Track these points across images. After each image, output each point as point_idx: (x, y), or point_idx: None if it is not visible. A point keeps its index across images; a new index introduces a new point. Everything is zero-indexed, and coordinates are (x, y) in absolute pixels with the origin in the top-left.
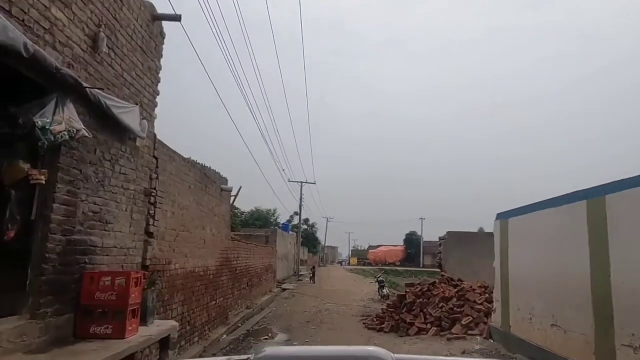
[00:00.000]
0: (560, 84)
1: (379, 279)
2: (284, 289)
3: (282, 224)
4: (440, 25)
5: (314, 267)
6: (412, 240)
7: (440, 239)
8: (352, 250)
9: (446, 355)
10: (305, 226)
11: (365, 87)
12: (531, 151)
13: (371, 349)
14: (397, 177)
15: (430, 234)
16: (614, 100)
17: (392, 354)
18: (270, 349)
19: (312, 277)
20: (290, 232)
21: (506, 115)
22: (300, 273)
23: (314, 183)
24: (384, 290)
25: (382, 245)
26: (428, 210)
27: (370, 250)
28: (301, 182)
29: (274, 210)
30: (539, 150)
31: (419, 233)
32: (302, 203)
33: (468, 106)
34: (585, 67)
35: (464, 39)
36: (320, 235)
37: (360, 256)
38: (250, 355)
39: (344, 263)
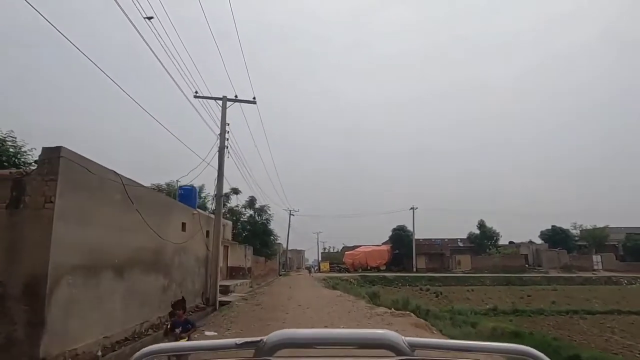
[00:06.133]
0: None
1: None
2: None
3: (181, 187)
4: None
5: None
6: (400, 237)
7: None
8: (322, 253)
9: None
10: (249, 211)
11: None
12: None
13: (383, 332)
14: (370, 167)
15: (425, 228)
16: None
17: (402, 337)
18: (281, 331)
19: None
20: (210, 214)
21: (494, 99)
22: (236, 301)
23: (254, 101)
24: None
25: (361, 245)
26: (420, 199)
27: (346, 252)
28: (224, 97)
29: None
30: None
31: (408, 227)
32: (229, 149)
33: (449, 90)
34: None
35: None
36: (280, 233)
37: (333, 260)
38: (263, 337)
39: (313, 269)
